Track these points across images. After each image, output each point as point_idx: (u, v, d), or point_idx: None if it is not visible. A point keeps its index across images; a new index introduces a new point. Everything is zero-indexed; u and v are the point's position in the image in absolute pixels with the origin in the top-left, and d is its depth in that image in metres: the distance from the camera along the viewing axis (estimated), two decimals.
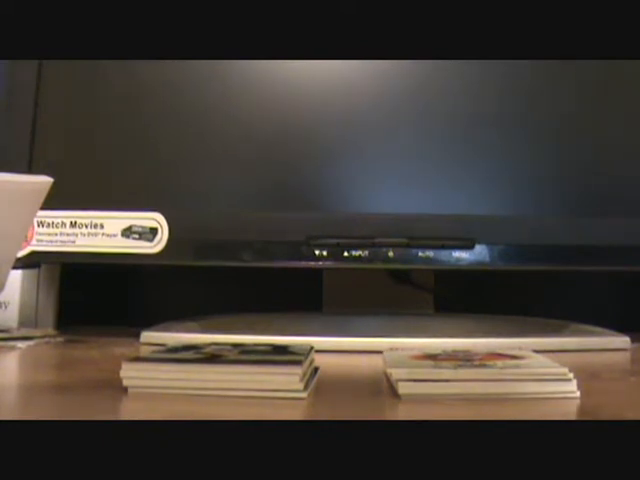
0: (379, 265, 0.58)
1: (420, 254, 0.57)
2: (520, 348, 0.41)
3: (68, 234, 0.59)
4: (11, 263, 0.51)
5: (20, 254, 0.57)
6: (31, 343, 0.54)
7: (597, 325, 0.62)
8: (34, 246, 0.60)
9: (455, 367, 0.34)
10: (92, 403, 0.33)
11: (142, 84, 0.60)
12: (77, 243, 0.59)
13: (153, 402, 0.32)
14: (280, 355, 0.36)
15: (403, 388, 0.33)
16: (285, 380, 0.33)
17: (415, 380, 0.33)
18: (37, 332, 0.60)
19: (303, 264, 0.58)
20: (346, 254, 0.57)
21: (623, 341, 0.56)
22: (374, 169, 0.58)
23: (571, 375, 0.34)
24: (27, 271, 0.65)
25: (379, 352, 0.42)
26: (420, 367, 0.35)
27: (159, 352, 0.37)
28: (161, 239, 0.58)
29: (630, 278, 0.77)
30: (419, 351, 0.40)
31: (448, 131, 0.59)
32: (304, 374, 0.34)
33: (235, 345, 0.39)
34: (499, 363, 0.35)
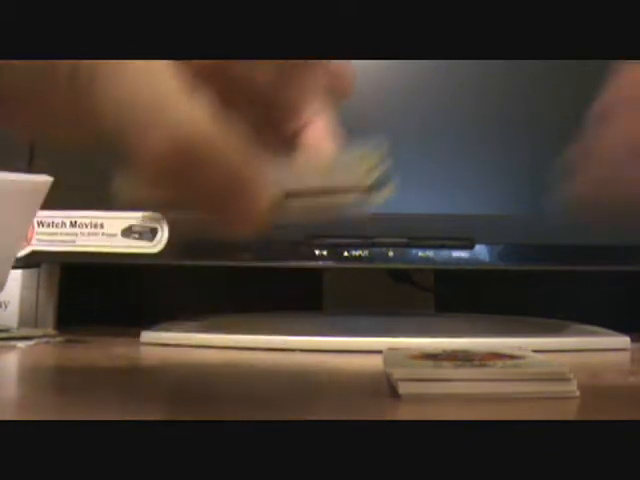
0: (379, 265, 0.58)
1: (420, 254, 0.57)
2: (520, 348, 0.41)
3: (68, 234, 0.59)
4: (11, 262, 0.51)
5: (20, 254, 0.57)
6: (31, 343, 0.54)
7: (597, 325, 0.62)
8: (34, 246, 0.60)
9: (455, 367, 0.34)
10: (94, 403, 0.33)
11: None
12: (77, 243, 0.59)
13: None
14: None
15: (403, 388, 0.33)
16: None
17: (415, 380, 0.33)
18: (37, 332, 0.60)
19: (303, 264, 0.57)
20: (346, 254, 0.57)
21: (623, 341, 0.56)
22: None
23: (571, 375, 0.34)
24: (27, 271, 0.65)
25: (379, 352, 0.42)
26: (420, 367, 0.35)
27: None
28: (161, 239, 0.58)
29: (630, 278, 0.77)
30: (419, 351, 0.40)
31: (448, 131, 0.59)
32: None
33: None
34: (499, 363, 0.35)
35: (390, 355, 0.39)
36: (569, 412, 0.31)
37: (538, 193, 0.59)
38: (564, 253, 0.58)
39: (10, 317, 0.63)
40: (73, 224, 0.59)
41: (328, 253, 0.57)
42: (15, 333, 0.58)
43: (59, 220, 0.59)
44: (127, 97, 0.27)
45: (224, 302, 0.77)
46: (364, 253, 0.57)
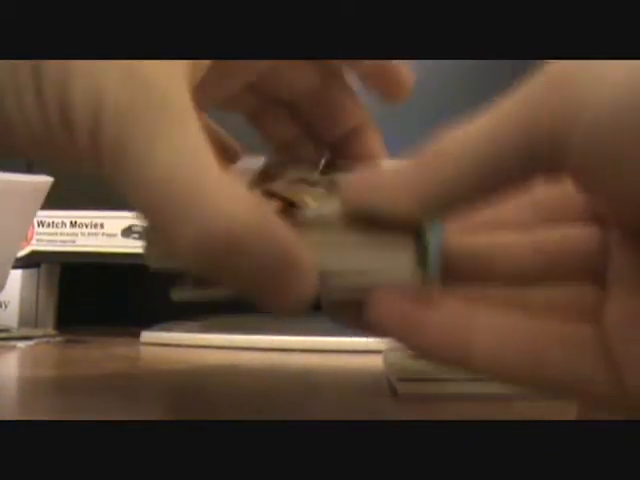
0: None
1: None
2: None
3: (68, 234, 0.59)
4: (11, 263, 0.51)
5: (20, 254, 0.57)
6: (31, 343, 0.54)
7: None
8: (34, 246, 0.60)
9: None
10: (94, 403, 0.33)
11: None
12: (77, 243, 0.59)
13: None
14: None
15: (403, 388, 0.33)
16: None
17: (415, 380, 0.33)
18: (37, 332, 0.60)
19: None
20: None
21: None
22: None
23: None
24: (27, 271, 0.65)
25: (379, 352, 0.42)
26: (420, 367, 0.35)
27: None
28: None
29: None
30: None
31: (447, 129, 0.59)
32: None
33: None
34: None
35: (390, 355, 0.39)
36: (569, 412, 0.31)
37: None
38: None
39: (10, 317, 0.63)
40: (73, 224, 0.59)
41: None
42: (15, 333, 0.58)
43: (59, 220, 0.59)
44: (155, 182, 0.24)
45: (224, 302, 0.76)
46: None
